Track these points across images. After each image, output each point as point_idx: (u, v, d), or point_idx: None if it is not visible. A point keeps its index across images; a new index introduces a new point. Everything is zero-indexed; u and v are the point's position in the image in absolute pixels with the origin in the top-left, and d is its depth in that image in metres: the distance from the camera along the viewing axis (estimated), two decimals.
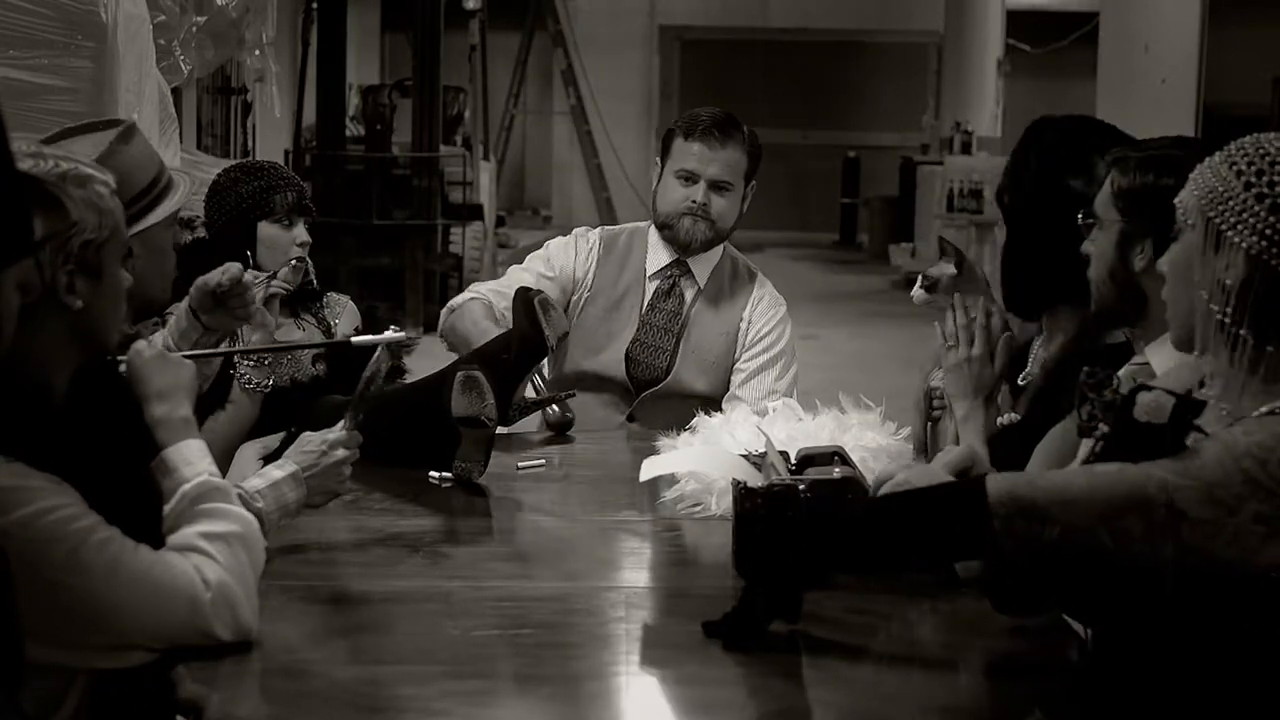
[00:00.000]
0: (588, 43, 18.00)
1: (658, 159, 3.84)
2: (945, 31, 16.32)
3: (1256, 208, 1.89)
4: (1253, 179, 1.90)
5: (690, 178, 3.72)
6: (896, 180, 16.29)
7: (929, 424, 3.21)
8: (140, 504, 2.04)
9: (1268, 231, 1.88)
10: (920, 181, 15.15)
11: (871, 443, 2.91)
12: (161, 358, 2.21)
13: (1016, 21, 16.47)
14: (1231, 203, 1.91)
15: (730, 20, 18.49)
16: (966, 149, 14.60)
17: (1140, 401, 1.93)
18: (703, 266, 3.82)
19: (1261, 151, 1.92)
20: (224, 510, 2.10)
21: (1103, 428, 1.97)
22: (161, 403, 2.17)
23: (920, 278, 3.13)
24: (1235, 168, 1.93)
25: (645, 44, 18.61)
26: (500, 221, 13.69)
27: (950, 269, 3.08)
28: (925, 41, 18.24)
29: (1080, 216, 2.57)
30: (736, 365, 3.77)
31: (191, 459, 2.14)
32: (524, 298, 3.11)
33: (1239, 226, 1.90)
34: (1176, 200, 2.02)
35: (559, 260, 3.84)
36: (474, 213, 11.42)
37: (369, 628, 2.21)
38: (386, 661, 2.08)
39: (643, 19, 18.52)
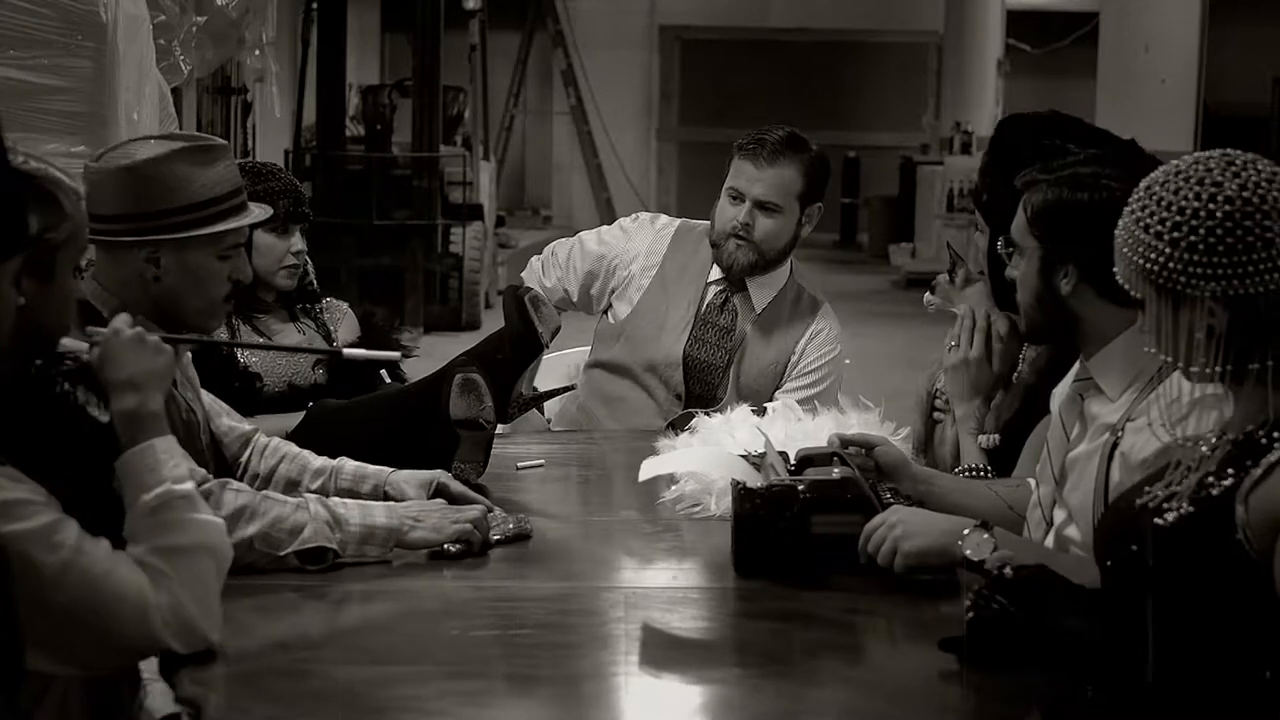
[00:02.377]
0: (588, 43, 17.99)
1: (726, 172, 3.72)
2: (945, 31, 16.32)
3: (1193, 257, 1.88)
4: (1174, 235, 1.89)
5: (738, 196, 3.65)
6: (896, 180, 16.29)
7: (929, 425, 3.22)
8: (96, 500, 2.01)
9: (1219, 272, 1.88)
10: (920, 181, 15.15)
11: None
12: (139, 341, 2.13)
13: (1016, 21, 16.48)
14: (1171, 264, 1.90)
15: (730, 20, 18.48)
16: (966, 149, 14.60)
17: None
18: (762, 292, 3.74)
19: (1163, 202, 1.91)
20: (184, 521, 2.03)
21: (1000, 600, 2.02)
22: (133, 393, 2.09)
23: (946, 274, 3.16)
24: (1152, 230, 1.91)
25: (645, 44, 18.60)
26: (500, 221, 13.66)
27: (960, 275, 3.09)
28: (925, 41, 18.24)
29: (1000, 243, 2.55)
30: (776, 393, 3.63)
31: (154, 464, 2.06)
32: (514, 296, 3.09)
33: (1193, 281, 1.89)
34: (1115, 272, 2.00)
35: (617, 239, 3.85)
36: (474, 213, 11.41)
37: (368, 628, 2.21)
38: (385, 661, 2.08)
39: (643, 19, 18.50)
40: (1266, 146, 12.64)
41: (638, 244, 3.84)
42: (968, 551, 2.26)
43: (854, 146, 17.79)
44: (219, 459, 2.65)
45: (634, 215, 3.98)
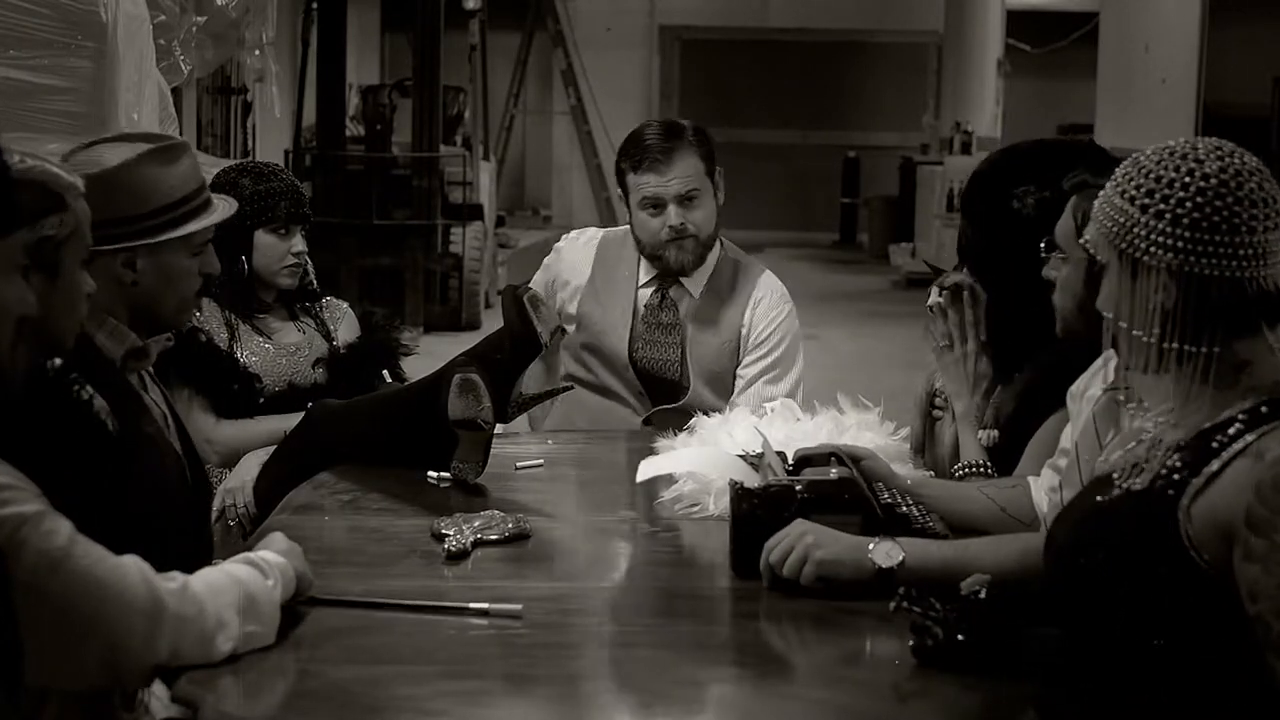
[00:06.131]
0: (588, 43, 17.99)
1: (620, 191, 3.75)
2: (945, 31, 16.31)
3: (1159, 225, 1.92)
4: (1146, 200, 1.93)
5: (657, 204, 3.65)
6: (896, 180, 16.29)
7: (928, 424, 3.22)
8: (103, 510, 2.01)
9: (1179, 244, 1.91)
10: (920, 181, 15.15)
11: (869, 443, 2.91)
12: (300, 555, 2.22)
13: (1016, 21, 16.47)
14: (1136, 229, 1.93)
15: (730, 20, 18.48)
16: (966, 149, 14.60)
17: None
18: (696, 277, 3.75)
19: (1145, 171, 1.95)
20: (246, 583, 2.06)
21: (937, 631, 2.01)
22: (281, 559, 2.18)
23: (937, 288, 3.12)
24: (1126, 195, 1.95)
25: (645, 44, 18.60)
26: (500, 221, 13.66)
27: (969, 278, 3.07)
28: (925, 41, 18.24)
29: (1043, 247, 2.56)
30: (738, 371, 3.71)
31: (273, 562, 2.13)
32: (513, 295, 3.10)
33: (1152, 249, 1.92)
34: (1083, 240, 2.02)
35: (554, 261, 3.89)
36: (474, 213, 11.41)
37: (365, 628, 2.20)
38: (383, 661, 2.07)
39: (643, 19, 18.51)
40: (1267, 146, 12.62)
41: (567, 262, 3.85)
42: (877, 561, 2.27)
43: (854, 146, 17.81)
44: (192, 458, 2.64)
45: (564, 235, 3.98)
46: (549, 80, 18.49)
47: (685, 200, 3.65)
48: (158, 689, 2.17)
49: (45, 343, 2.02)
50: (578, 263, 3.83)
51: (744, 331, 3.73)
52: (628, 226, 3.83)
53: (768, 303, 3.75)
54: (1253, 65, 14.28)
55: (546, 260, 3.94)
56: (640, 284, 3.77)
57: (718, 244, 3.80)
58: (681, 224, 3.64)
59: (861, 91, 18.75)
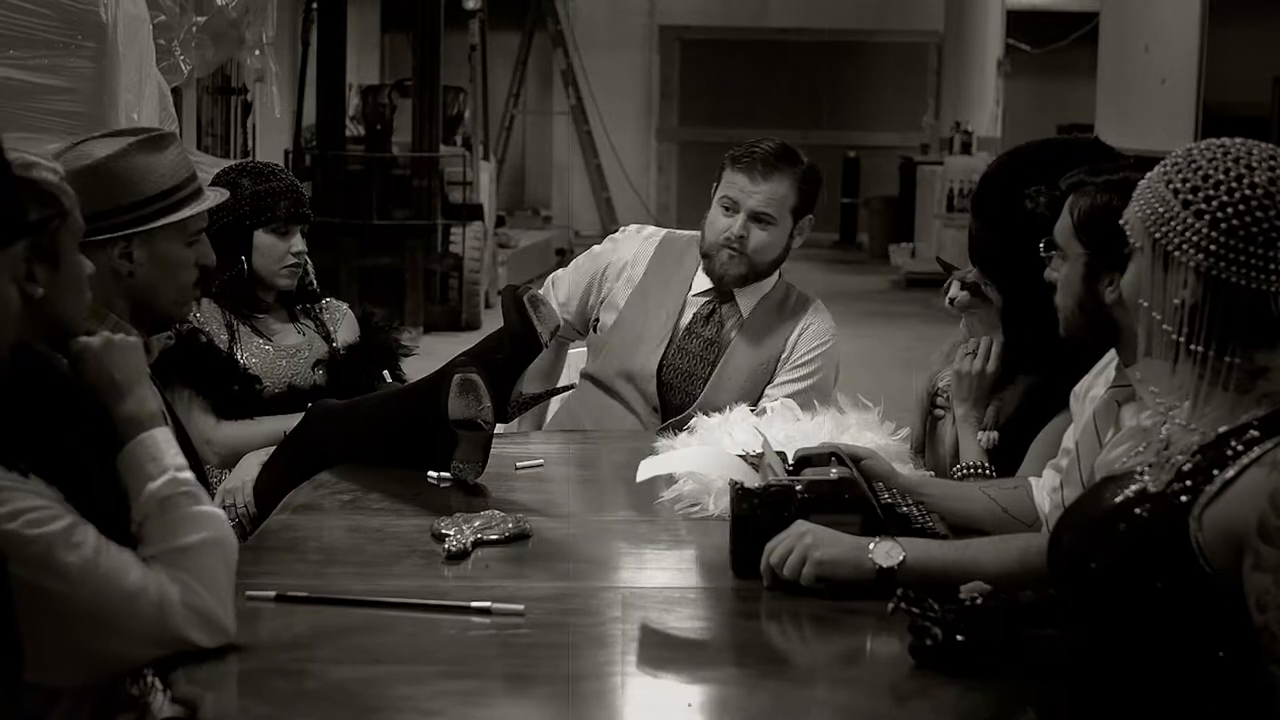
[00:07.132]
0: (588, 43, 17.99)
1: (715, 183, 3.71)
2: (945, 31, 16.31)
3: (1197, 224, 1.90)
4: (1189, 196, 1.92)
5: (732, 207, 3.63)
6: (896, 180, 16.29)
7: (929, 423, 3.22)
8: (100, 497, 2.02)
9: (1212, 247, 1.90)
10: (920, 181, 15.16)
11: (869, 443, 2.91)
12: (110, 346, 2.14)
13: (1016, 21, 16.47)
14: (1174, 222, 1.92)
15: (730, 20, 18.48)
16: (966, 149, 14.61)
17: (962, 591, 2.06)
18: (749, 296, 3.71)
19: (1195, 166, 1.93)
20: (192, 516, 2.06)
21: (936, 631, 2.00)
22: (129, 397, 2.12)
23: (958, 284, 3.11)
24: (1171, 186, 1.94)
25: (645, 44, 18.60)
26: (500, 221, 13.66)
27: (981, 278, 3.07)
28: (925, 41, 18.24)
29: (1041, 247, 2.55)
30: (766, 389, 3.63)
31: (156, 452, 2.09)
32: (513, 295, 3.09)
33: (1184, 246, 1.91)
34: (1122, 222, 2.02)
35: (609, 249, 3.86)
36: (474, 213, 11.42)
37: (365, 627, 2.20)
38: (382, 661, 2.07)
39: (643, 19, 18.51)
40: None
41: (624, 252, 3.83)
42: (878, 560, 2.27)
43: (854, 146, 17.80)
44: (189, 453, 2.64)
45: (623, 228, 3.97)
46: (549, 80, 18.48)
47: (757, 218, 3.61)
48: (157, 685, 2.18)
49: (56, 328, 2.04)
50: (635, 257, 3.80)
51: (785, 354, 3.68)
52: (694, 234, 3.79)
53: (815, 330, 3.71)
54: (1253, 65, 14.28)
55: (597, 248, 3.90)
56: (693, 292, 3.73)
57: (776, 273, 3.75)
58: (743, 236, 3.61)
59: (861, 91, 18.74)
